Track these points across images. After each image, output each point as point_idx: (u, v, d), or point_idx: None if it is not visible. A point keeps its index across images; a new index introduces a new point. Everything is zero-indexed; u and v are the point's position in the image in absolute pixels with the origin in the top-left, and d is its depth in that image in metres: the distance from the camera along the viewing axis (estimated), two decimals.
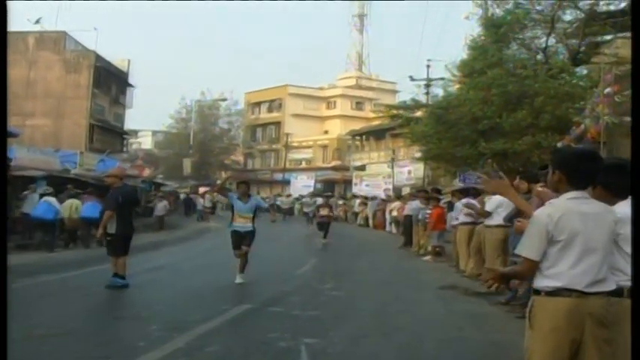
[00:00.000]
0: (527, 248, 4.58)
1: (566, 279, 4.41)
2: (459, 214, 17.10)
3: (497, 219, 13.63)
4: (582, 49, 25.89)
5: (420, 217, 22.86)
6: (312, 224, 32.64)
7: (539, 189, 10.37)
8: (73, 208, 24.06)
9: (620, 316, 4.41)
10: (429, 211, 21.52)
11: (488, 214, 14.04)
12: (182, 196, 60.37)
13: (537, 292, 4.55)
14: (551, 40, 27.00)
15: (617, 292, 4.48)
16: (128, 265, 13.68)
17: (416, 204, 24.77)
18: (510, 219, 11.11)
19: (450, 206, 20.28)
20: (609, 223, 4.53)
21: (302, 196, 64.32)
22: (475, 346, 8.80)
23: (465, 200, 16.88)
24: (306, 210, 40.56)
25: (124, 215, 13.60)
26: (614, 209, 4.68)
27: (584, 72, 26.51)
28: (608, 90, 17.92)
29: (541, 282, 4.51)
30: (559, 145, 21.39)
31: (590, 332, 4.38)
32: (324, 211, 28.50)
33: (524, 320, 9.39)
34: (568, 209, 4.51)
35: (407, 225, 26.14)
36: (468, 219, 16.56)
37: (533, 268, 4.54)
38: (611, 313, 4.38)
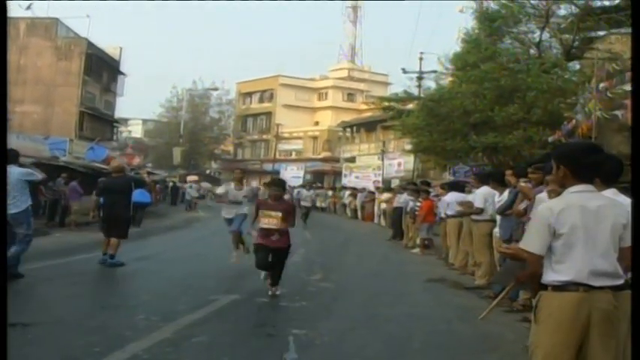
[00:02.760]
0: (529, 242, 4.56)
1: (573, 273, 4.40)
2: (448, 208, 17.04)
3: (485, 214, 13.65)
4: (576, 44, 25.93)
5: (409, 209, 22.82)
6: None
7: (522, 184, 10.39)
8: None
9: (627, 311, 4.40)
10: (419, 204, 21.48)
11: (480, 211, 14.02)
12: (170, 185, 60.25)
13: (544, 286, 4.54)
14: (545, 35, 27.03)
15: (624, 287, 4.46)
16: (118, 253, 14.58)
17: (405, 197, 24.76)
18: (503, 211, 11.08)
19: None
20: (614, 217, 4.48)
21: (292, 187, 64.22)
22: (464, 338, 8.79)
23: (456, 195, 16.74)
24: (304, 204, 35.59)
25: (115, 200, 14.94)
26: (623, 203, 4.67)
27: (577, 67, 26.53)
28: (601, 85, 17.91)
29: (549, 276, 4.50)
30: (550, 139, 21.41)
31: (596, 327, 4.36)
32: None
33: (513, 314, 9.47)
34: (570, 203, 4.50)
35: (396, 217, 26.10)
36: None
37: (537, 262, 4.52)
38: (617, 308, 4.37)
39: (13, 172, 12.14)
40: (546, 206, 4.62)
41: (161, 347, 7.58)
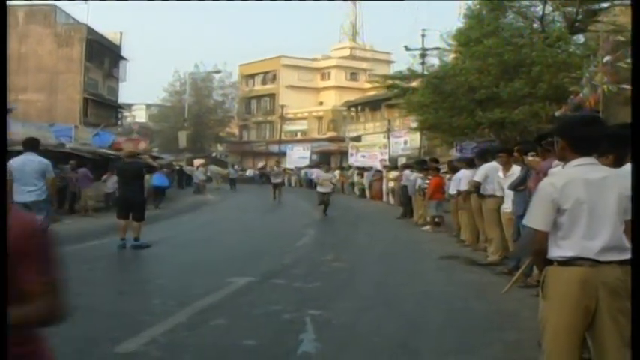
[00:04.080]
0: (533, 219, 4.56)
1: (578, 248, 4.36)
2: (460, 184, 17.00)
3: (490, 189, 13.67)
4: (579, 17, 25.76)
5: (416, 187, 22.82)
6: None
7: (530, 159, 10.41)
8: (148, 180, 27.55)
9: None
10: (427, 182, 21.50)
11: (477, 184, 14.05)
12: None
13: (550, 262, 4.50)
14: (548, 9, 26.91)
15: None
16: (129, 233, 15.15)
17: (412, 174, 24.79)
18: (515, 187, 11.11)
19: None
20: (618, 189, 4.42)
21: (298, 168, 63.90)
22: (480, 316, 8.78)
23: (469, 172, 16.61)
24: (322, 190, 27.22)
25: (128, 183, 15.63)
26: (626, 174, 4.61)
27: (582, 40, 26.46)
28: (606, 58, 17.85)
29: (554, 252, 4.45)
30: (557, 114, 21.37)
31: (605, 302, 4.31)
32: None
33: (528, 289, 9.52)
34: (572, 177, 4.46)
35: (404, 195, 26.09)
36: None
37: (542, 238, 4.48)
38: (625, 282, 4.27)
39: (34, 160, 12.38)
40: (548, 182, 4.59)
41: (178, 331, 7.64)
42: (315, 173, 36.94)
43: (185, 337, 7.44)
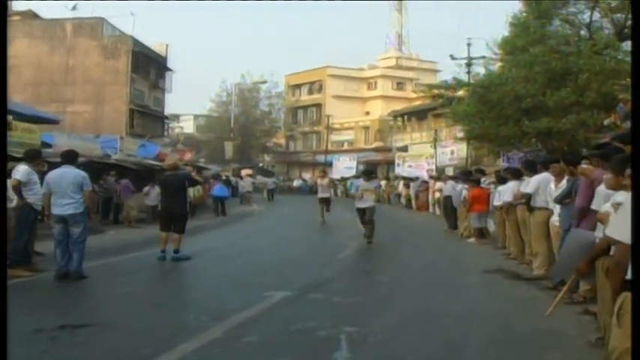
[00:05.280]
0: (620, 230, 4.20)
1: None
2: (505, 195, 16.64)
3: (540, 201, 13.32)
4: (628, 23, 25.31)
5: (461, 198, 22.53)
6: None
7: (584, 166, 10.06)
8: (195, 190, 28.80)
9: None
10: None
11: (527, 196, 13.71)
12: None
13: (625, 283, 4.14)
14: (596, 15, 26.50)
15: None
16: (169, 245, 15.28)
17: (451, 184, 24.51)
18: (561, 200, 10.78)
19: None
20: None
21: (345, 178, 63.59)
22: (523, 334, 8.44)
23: (515, 184, 16.21)
24: (361, 205, 20.54)
25: (170, 195, 15.75)
26: None
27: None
28: None
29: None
30: (605, 122, 20.95)
31: None
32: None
33: (574, 306, 9.18)
34: None
35: (447, 206, 25.77)
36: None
37: (627, 251, 4.08)
38: None
39: (70, 172, 12.42)
40: None
41: (210, 348, 7.48)
42: (356, 184, 22.70)
43: (217, 355, 7.30)
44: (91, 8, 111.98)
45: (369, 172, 23.18)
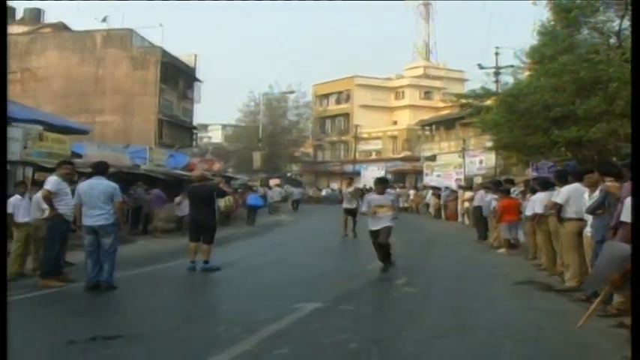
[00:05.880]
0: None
1: None
2: (537, 206, 16.53)
3: (571, 212, 13.22)
4: None
5: (491, 208, 22.43)
6: None
7: (609, 184, 10.00)
8: (226, 200, 31.42)
9: None
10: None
11: (558, 206, 13.60)
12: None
13: None
14: (625, 23, 26.23)
15: None
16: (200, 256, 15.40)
17: (481, 194, 24.45)
18: (593, 210, 10.70)
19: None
20: None
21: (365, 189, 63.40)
22: (555, 347, 8.37)
23: (545, 194, 16.09)
24: (373, 227, 16.16)
25: (198, 206, 15.88)
26: None
27: None
28: None
29: None
30: None
31: None
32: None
33: (607, 319, 9.09)
34: None
35: (477, 216, 25.66)
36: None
37: None
38: None
39: (101, 183, 12.57)
40: None
41: None
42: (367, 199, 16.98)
43: None
44: (121, 20, 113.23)
45: (383, 180, 17.51)
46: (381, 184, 16.58)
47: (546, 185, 16.30)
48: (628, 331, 8.17)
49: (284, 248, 22.87)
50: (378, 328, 9.32)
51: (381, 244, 15.75)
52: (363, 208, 16.54)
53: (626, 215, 7.95)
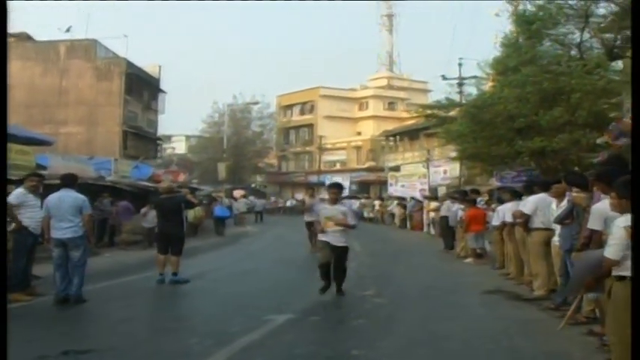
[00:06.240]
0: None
1: None
2: (505, 216, 16.69)
3: (538, 222, 13.38)
4: (618, 43, 25.45)
5: (458, 218, 22.62)
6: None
7: (575, 194, 10.17)
8: (196, 211, 30.73)
9: None
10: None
11: (525, 216, 13.75)
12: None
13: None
14: (586, 35, 26.59)
15: None
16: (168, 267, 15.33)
17: (448, 205, 24.63)
18: (561, 220, 10.85)
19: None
20: None
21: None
22: (528, 356, 8.48)
23: (514, 204, 16.25)
24: (324, 238, 13.52)
25: (167, 219, 15.74)
26: None
27: (621, 66, 26.13)
28: None
29: None
30: (598, 141, 21.05)
31: None
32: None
33: (578, 327, 9.22)
34: None
35: (444, 226, 25.86)
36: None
37: None
38: None
39: (70, 196, 12.50)
40: None
41: None
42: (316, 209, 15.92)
43: None
44: (85, 30, 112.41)
45: (337, 185, 14.79)
46: (334, 189, 14.09)
47: (514, 195, 16.49)
48: (597, 338, 8.34)
49: (252, 259, 22.83)
50: (351, 338, 9.34)
51: (336, 267, 13.37)
52: (314, 219, 15.09)
53: (594, 223, 8.10)
